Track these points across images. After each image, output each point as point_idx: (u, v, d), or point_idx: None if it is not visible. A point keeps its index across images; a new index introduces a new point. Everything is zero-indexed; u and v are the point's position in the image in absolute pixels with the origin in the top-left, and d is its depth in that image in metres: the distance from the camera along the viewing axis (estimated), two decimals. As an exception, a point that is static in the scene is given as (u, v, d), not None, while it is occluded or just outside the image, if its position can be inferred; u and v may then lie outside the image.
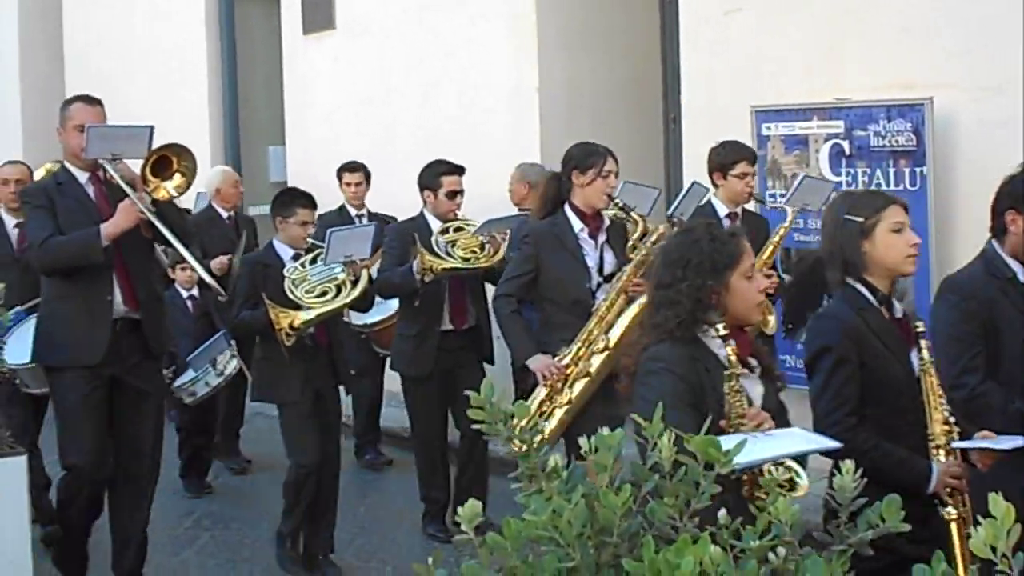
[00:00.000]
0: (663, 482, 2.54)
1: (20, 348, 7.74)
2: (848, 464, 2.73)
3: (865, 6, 8.54)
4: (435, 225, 8.54)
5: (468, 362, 8.54)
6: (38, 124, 18.48)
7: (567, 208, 7.42)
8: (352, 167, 10.97)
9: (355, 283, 7.76)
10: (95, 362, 7.03)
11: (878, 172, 8.32)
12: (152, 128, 7.40)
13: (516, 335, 7.41)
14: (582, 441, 2.61)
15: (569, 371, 7.07)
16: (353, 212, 10.81)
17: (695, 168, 9.31)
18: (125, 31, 16.00)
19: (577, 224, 7.39)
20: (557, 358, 7.10)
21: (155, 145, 7.29)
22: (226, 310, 8.55)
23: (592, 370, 7.01)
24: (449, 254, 8.30)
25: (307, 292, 7.71)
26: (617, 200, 7.43)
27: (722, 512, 2.54)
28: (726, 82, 9.27)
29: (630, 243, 7.34)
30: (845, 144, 8.49)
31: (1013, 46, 7.74)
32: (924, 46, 8.20)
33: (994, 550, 2.28)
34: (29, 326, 7.71)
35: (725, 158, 7.84)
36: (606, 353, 6.96)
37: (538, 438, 2.72)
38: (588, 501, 2.48)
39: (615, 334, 6.99)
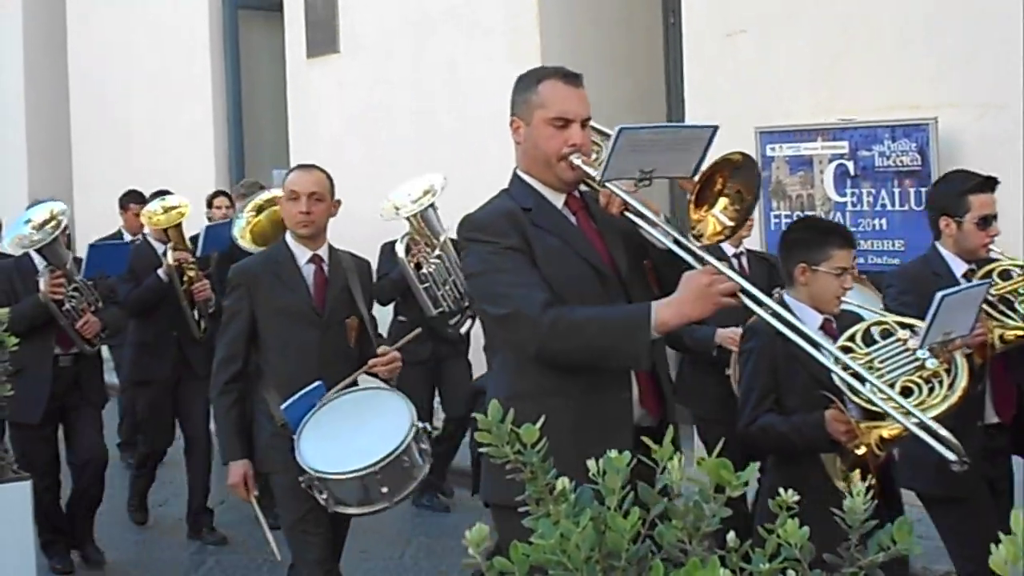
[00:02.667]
0: (672, 505, 2.53)
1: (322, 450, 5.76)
2: (859, 486, 2.71)
3: (868, 27, 8.54)
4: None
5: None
6: (43, 145, 18.56)
7: None
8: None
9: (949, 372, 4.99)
10: None
11: (883, 192, 8.32)
12: (715, 128, 4.61)
13: None
14: (590, 463, 2.60)
15: None
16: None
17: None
18: (130, 54, 16.03)
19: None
20: None
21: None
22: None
23: None
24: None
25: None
26: None
27: (731, 535, 2.53)
28: (730, 103, 9.27)
29: None
30: (850, 165, 8.48)
31: (1016, 65, 7.75)
32: (928, 66, 8.20)
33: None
34: (325, 423, 5.84)
35: None
36: None
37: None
38: (596, 524, 2.46)
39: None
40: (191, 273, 9.31)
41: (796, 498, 2.60)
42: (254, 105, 14.65)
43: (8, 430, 8.42)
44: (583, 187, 4.59)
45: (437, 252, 8.99)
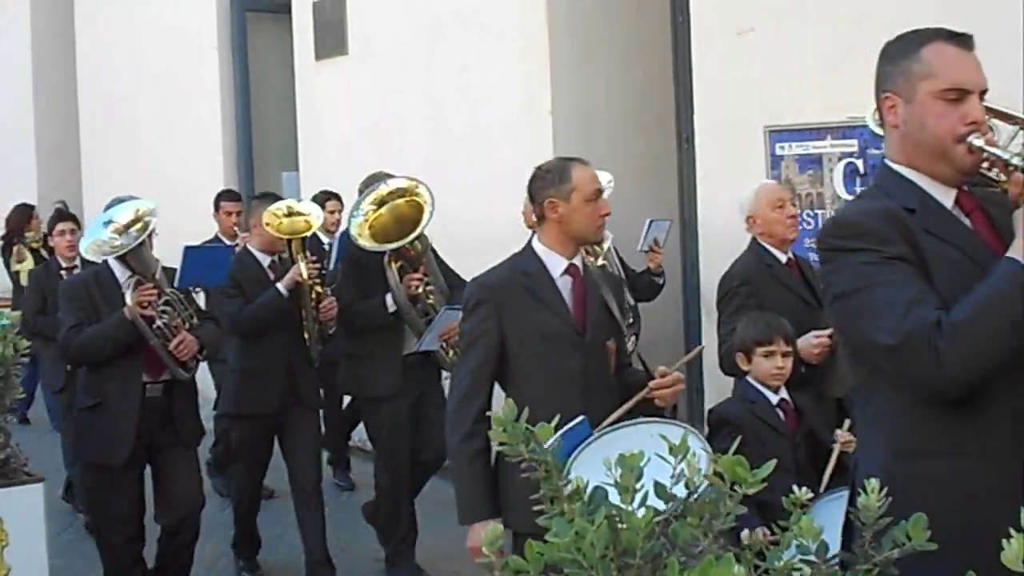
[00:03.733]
0: (687, 502, 2.53)
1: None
2: (873, 483, 2.71)
3: (877, 25, 8.52)
4: None
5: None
6: (51, 146, 18.61)
7: None
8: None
9: None
10: None
11: (893, 190, 8.30)
12: None
13: None
14: (604, 461, 2.60)
15: None
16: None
17: (709, 188, 9.32)
18: (138, 55, 16.05)
19: None
20: None
21: None
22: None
23: None
24: None
25: None
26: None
27: (745, 532, 2.53)
28: (739, 102, 9.26)
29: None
30: (859, 163, 8.47)
31: (1021, 64, 7.73)
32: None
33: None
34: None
35: None
36: None
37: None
38: (611, 522, 2.46)
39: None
40: (319, 289, 8.24)
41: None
42: (262, 107, 14.66)
43: (83, 473, 7.55)
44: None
45: (600, 261, 8.51)
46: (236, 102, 14.57)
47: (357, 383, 8.44)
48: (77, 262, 9.56)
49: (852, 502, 2.93)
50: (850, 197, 8.51)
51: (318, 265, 8.33)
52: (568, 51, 10.98)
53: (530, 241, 5.37)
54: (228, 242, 10.47)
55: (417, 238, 7.98)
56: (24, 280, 12.32)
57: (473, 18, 11.54)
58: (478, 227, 11.50)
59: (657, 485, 2.57)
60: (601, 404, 4.98)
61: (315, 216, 8.39)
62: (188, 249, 8.06)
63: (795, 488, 2.60)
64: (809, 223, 8.69)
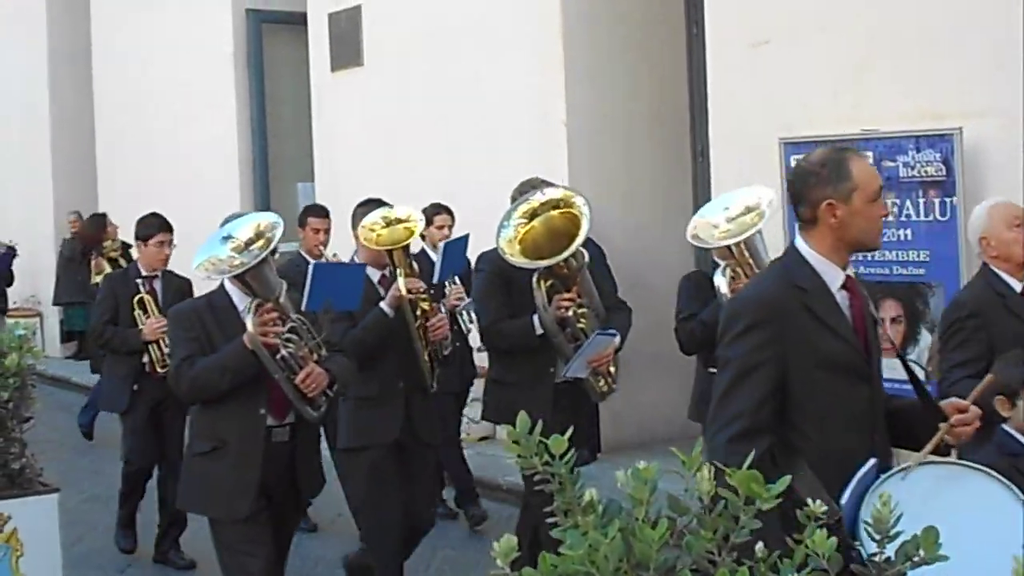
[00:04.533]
0: (703, 515, 2.53)
1: None
2: (885, 495, 2.71)
3: (892, 37, 8.53)
4: None
5: None
6: (67, 159, 18.66)
7: None
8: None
9: None
10: None
11: (908, 203, 8.29)
12: None
13: None
14: (618, 474, 2.60)
15: None
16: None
17: (724, 200, 9.31)
18: (155, 67, 16.10)
19: None
20: None
21: None
22: None
23: None
24: None
25: None
26: None
27: (759, 545, 2.53)
28: (754, 113, 9.27)
29: None
30: (874, 175, 8.46)
31: (1042, 75, 7.73)
32: (952, 76, 8.18)
33: None
34: None
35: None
36: None
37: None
38: (624, 535, 2.47)
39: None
40: (424, 306, 7.35)
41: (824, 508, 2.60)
42: (278, 118, 14.69)
43: (213, 529, 6.36)
44: None
45: None
46: (252, 113, 14.62)
47: (507, 411, 6.59)
48: (158, 272, 9.05)
49: None
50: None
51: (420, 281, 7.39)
52: (582, 62, 10.99)
53: (793, 247, 4.42)
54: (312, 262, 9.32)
55: (572, 255, 6.96)
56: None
57: (488, 30, 11.57)
58: (492, 235, 11.50)
59: (671, 498, 2.57)
60: (882, 443, 4.35)
61: (416, 221, 7.47)
62: (317, 267, 6.97)
63: (809, 501, 2.60)
64: (824, 235, 8.68)
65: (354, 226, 7.48)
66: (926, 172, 8.17)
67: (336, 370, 6.40)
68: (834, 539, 2.52)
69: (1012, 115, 7.88)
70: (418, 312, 7.26)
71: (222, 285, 6.33)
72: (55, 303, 18.02)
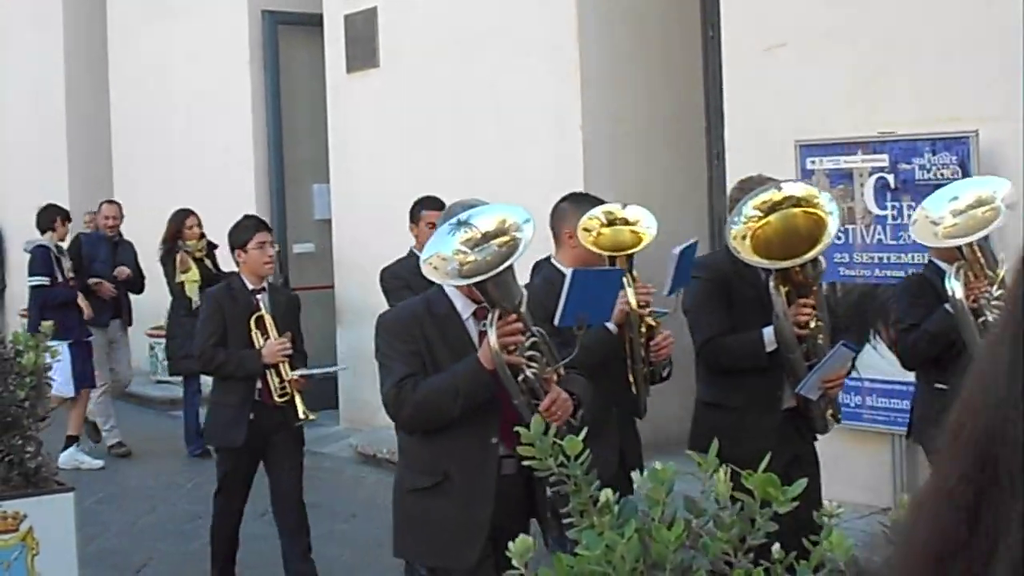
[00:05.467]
0: (719, 517, 2.53)
1: None
2: (904, 497, 2.71)
3: (908, 40, 8.52)
4: None
5: None
6: (84, 162, 18.70)
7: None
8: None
9: None
10: None
11: (924, 205, 8.28)
12: None
13: None
14: (635, 475, 2.60)
15: None
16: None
17: (739, 203, 9.30)
18: (169, 70, 16.13)
19: None
20: None
21: None
22: None
23: None
24: None
25: None
26: None
27: (776, 546, 2.53)
28: (770, 116, 9.26)
29: None
30: (890, 178, 8.46)
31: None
32: (968, 78, 8.17)
33: None
34: None
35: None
36: None
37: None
38: (640, 535, 2.47)
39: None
40: (650, 320, 6.36)
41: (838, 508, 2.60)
42: (294, 119, 14.71)
43: None
44: None
45: (997, 291, 6.09)
46: (268, 114, 14.63)
47: (730, 441, 5.82)
48: (265, 284, 7.92)
49: None
50: (881, 212, 8.50)
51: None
52: (598, 66, 10.99)
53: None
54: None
55: (812, 260, 6.00)
56: (190, 292, 11.96)
57: (504, 32, 11.57)
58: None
59: (687, 499, 2.58)
60: None
61: (646, 227, 6.41)
62: (577, 273, 5.90)
63: (826, 503, 2.60)
64: (840, 238, 8.67)
65: (561, 221, 6.66)
66: (942, 175, 8.17)
67: (580, 394, 5.36)
68: (851, 541, 2.52)
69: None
70: (642, 328, 6.30)
71: (439, 285, 5.28)
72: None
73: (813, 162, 8.85)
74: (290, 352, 7.71)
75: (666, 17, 11.35)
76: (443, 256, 5.04)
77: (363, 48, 13.06)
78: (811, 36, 9.05)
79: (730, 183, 9.58)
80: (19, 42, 19.93)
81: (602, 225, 6.33)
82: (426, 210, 8.67)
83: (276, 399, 7.68)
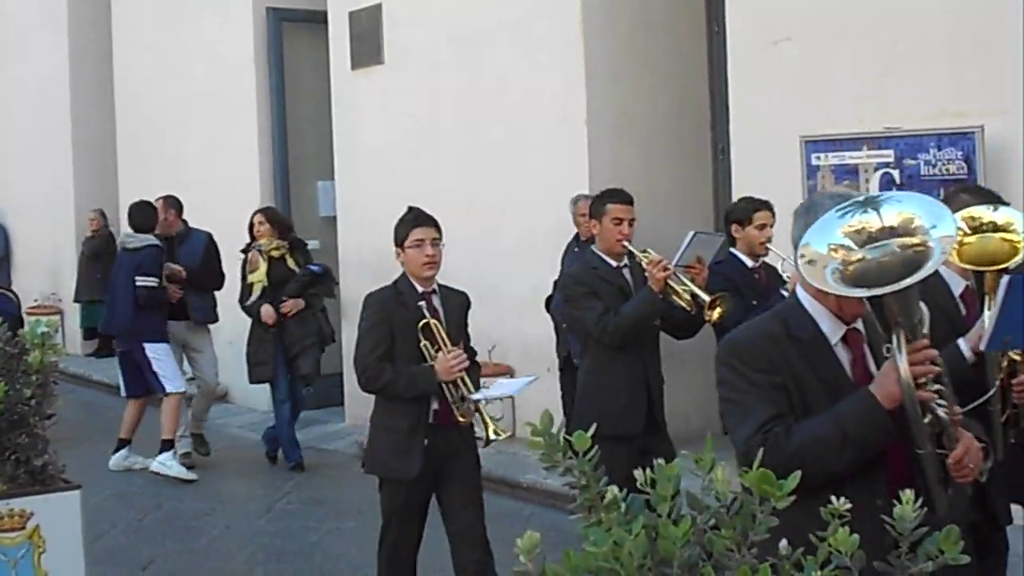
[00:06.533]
0: (721, 513, 2.54)
1: None
2: (908, 494, 2.71)
3: (914, 35, 8.52)
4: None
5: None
6: (89, 164, 18.72)
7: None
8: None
9: None
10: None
11: (929, 200, 8.28)
12: None
13: None
14: (638, 474, 2.60)
15: None
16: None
17: (744, 198, 9.31)
18: (175, 66, 16.14)
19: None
20: None
21: None
22: None
23: None
24: None
25: None
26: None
27: (783, 543, 2.53)
28: (775, 112, 9.26)
29: None
30: (895, 173, 8.46)
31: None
32: (974, 73, 8.17)
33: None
34: None
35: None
36: None
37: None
38: (648, 532, 2.47)
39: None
40: (1014, 355, 5.34)
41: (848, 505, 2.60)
42: (299, 117, 14.71)
43: None
44: None
45: None
46: (272, 112, 14.63)
47: None
48: (435, 286, 6.74)
49: None
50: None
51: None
52: (604, 61, 10.99)
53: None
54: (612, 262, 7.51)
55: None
56: (256, 294, 11.19)
57: (509, 28, 11.57)
58: (513, 235, 11.52)
59: (691, 496, 2.58)
60: None
61: (1020, 234, 5.27)
62: (1014, 283, 4.90)
63: (833, 499, 2.60)
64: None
65: None
66: (947, 170, 8.17)
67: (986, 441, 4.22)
68: (857, 537, 2.52)
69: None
70: (1003, 363, 5.24)
71: (795, 298, 4.17)
72: (76, 300, 18.09)
73: (818, 157, 8.85)
74: (467, 365, 6.51)
75: (671, 12, 11.35)
76: (821, 249, 3.87)
77: (368, 45, 13.06)
78: (816, 31, 9.05)
79: (735, 178, 9.60)
80: (25, 42, 19.96)
81: (965, 233, 5.24)
82: (612, 203, 7.45)
83: (459, 418, 6.52)
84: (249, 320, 11.36)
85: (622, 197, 7.47)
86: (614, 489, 2.65)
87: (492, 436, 6.53)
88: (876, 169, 8.56)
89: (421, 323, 6.53)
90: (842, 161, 8.73)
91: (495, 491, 10.19)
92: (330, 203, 14.12)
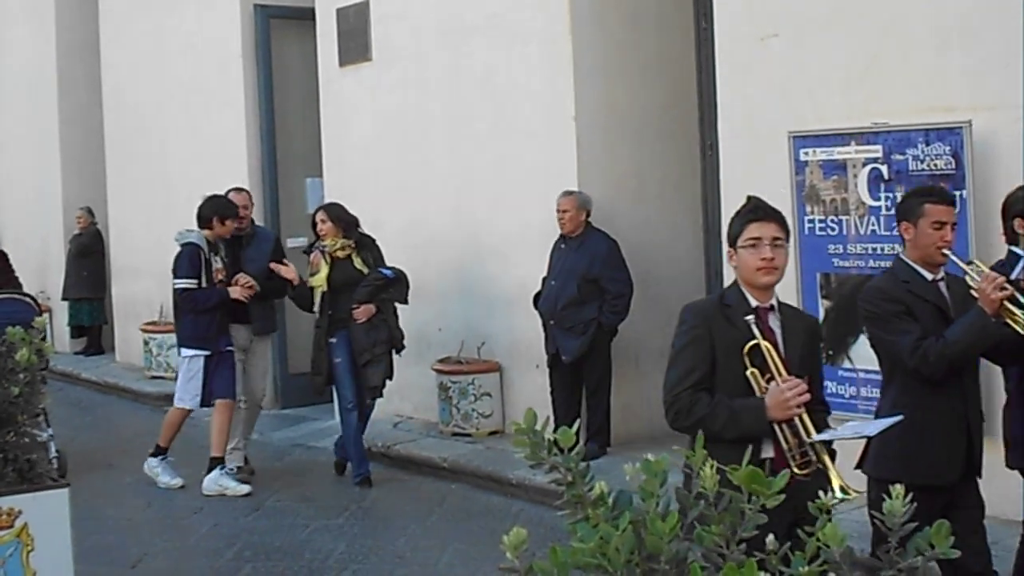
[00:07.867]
0: (709, 510, 2.53)
1: None
2: (898, 488, 2.70)
3: (902, 30, 8.52)
4: None
5: None
6: (77, 157, 18.68)
7: None
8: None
9: None
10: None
11: (917, 196, 8.28)
12: None
13: None
14: (627, 467, 2.60)
15: None
16: None
17: (732, 194, 9.30)
18: (162, 62, 16.11)
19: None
20: None
21: None
22: None
23: None
24: None
25: None
26: None
27: (770, 538, 2.53)
28: (763, 107, 9.26)
29: None
30: (883, 168, 8.45)
31: (1052, 67, 7.71)
32: (962, 69, 8.17)
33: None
34: None
35: None
36: None
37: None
38: (635, 527, 2.47)
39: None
40: None
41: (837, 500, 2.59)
42: (286, 113, 14.68)
43: None
44: None
45: None
46: (260, 108, 14.60)
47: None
48: (774, 301, 5.62)
49: None
50: (875, 203, 8.50)
51: None
52: (592, 57, 10.99)
53: None
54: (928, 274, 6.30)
55: None
56: (316, 298, 10.58)
57: (497, 24, 11.56)
58: (501, 232, 11.51)
59: (679, 491, 2.57)
60: None
61: None
62: None
63: (821, 494, 2.60)
64: (833, 229, 8.68)
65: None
66: (935, 165, 8.17)
67: None
68: (846, 532, 2.52)
69: (1021, 107, 7.87)
70: None
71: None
72: (64, 298, 18.04)
73: (806, 153, 8.85)
74: (807, 399, 5.07)
75: (659, 8, 11.35)
76: None
77: (355, 41, 13.05)
78: (804, 26, 9.05)
79: (724, 173, 9.59)
80: (11, 36, 19.91)
81: None
82: (930, 203, 6.07)
83: (795, 470, 4.96)
84: None
85: (943, 197, 6.16)
86: (602, 484, 2.65)
87: (839, 494, 4.86)
88: (864, 165, 8.56)
89: (748, 345, 5.20)
90: (830, 157, 8.73)
91: (483, 487, 10.21)
92: (318, 199, 14.07)
